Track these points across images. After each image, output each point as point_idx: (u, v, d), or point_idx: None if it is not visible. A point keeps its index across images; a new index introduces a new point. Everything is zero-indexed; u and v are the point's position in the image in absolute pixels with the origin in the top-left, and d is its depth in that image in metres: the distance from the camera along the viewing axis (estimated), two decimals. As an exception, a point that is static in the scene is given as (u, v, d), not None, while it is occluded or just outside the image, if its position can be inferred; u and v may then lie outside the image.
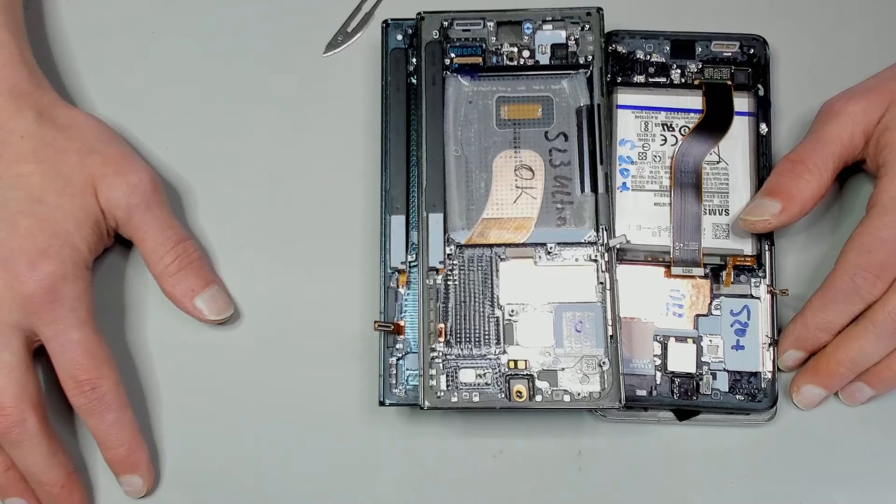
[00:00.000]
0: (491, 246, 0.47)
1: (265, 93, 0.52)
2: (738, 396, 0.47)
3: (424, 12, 0.49)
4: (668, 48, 0.50)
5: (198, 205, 0.50)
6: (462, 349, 0.46)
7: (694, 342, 0.47)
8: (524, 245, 0.47)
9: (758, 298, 0.48)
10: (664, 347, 0.47)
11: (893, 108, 0.47)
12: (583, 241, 0.47)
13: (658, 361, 0.47)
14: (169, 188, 0.50)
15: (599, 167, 0.47)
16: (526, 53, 0.49)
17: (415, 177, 0.48)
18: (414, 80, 0.49)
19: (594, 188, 0.47)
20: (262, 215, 0.50)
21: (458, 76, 0.49)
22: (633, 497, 0.47)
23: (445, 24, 0.49)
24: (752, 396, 0.47)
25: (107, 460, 0.46)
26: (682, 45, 0.50)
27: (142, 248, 0.48)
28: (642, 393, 0.47)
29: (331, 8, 0.53)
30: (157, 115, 0.51)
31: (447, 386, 0.45)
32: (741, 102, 0.49)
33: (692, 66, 0.50)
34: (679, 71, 0.50)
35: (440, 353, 0.46)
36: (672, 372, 0.47)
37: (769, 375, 0.47)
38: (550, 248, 0.47)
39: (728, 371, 0.47)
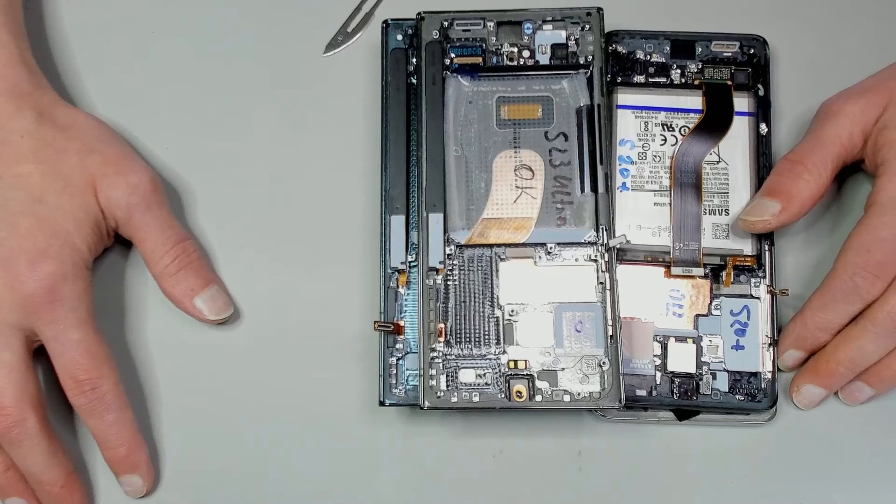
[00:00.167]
0: (491, 246, 0.47)
1: (265, 93, 0.52)
2: (738, 396, 0.47)
3: (424, 12, 0.49)
4: (668, 48, 0.50)
5: (198, 205, 0.50)
6: (462, 349, 0.46)
7: (694, 342, 0.47)
8: (524, 245, 0.47)
9: (758, 298, 0.48)
10: (664, 347, 0.47)
11: (892, 108, 0.47)
12: (583, 241, 0.47)
13: (658, 361, 0.47)
14: (169, 188, 0.50)
15: (599, 167, 0.47)
16: (526, 53, 0.49)
17: (415, 177, 0.48)
18: (414, 80, 0.49)
19: (594, 188, 0.47)
20: (262, 215, 0.50)
21: (458, 76, 0.49)
22: (633, 497, 0.47)
23: (445, 24, 0.49)
24: (752, 396, 0.47)
25: (107, 460, 0.46)
26: (682, 45, 0.50)
27: (141, 248, 0.48)
28: (642, 393, 0.47)
29: (331, 8, 0.53)
30: (157, 115, 0.51)
31: (447, 386, 0.45)
32: (741, 102, 0.49)
33: (692, 66, 0.50)
34: (679, 71, 0.50)
35: (440, 353, 0.46)
36: (672, 372, 0.47)
37: (769, 375, 0.47)
38: (550, 248, 0.47)
39: (728, 371, 0.47)
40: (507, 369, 0.46)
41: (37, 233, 0.45)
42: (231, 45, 0.52)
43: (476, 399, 0.45)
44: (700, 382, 0.47)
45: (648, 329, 0.47)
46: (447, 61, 0.49)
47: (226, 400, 0.48)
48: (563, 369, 0.45)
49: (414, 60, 0.49)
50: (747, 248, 0.48)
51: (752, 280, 0.48)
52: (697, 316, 0.47)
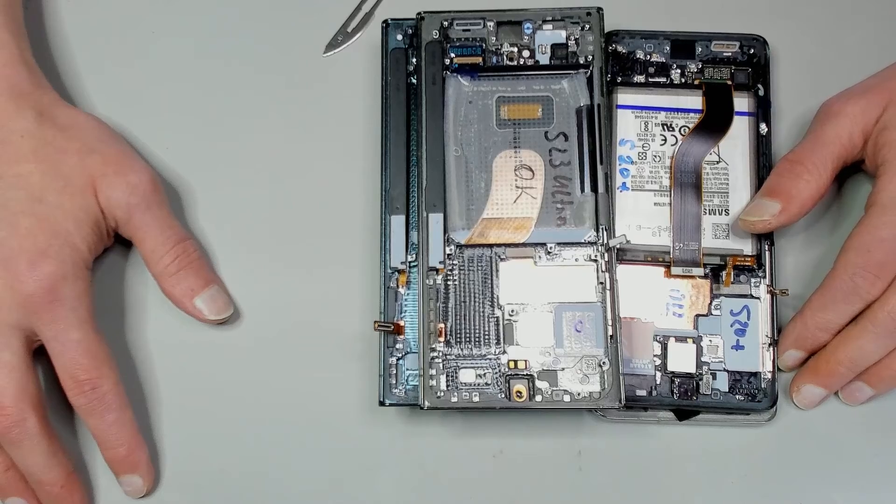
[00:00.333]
0: (491, 246, 0.47)
1: (265, 93, 0.52)
2: (738, 396, 0.47)
3: (424, 12, 0.49)
4: (668, 48, 0.50)
5: (198, 205, 0.50)
6: (462, 349, 0.46)
7: (694, 342, 0.47)
8: (524, 245, 0.47)
9: (758, 298, 0.48)
10: (664, 347, 0.47)
11: (892, 108, 0.47)
12: (583, 241, 0.47)
13: (658, 361, 0.47)
14: (169, 188, 0.50)
15: (599, 167, 0.47)
16: (526, 53, 0.49)
17: (415, 177, 0.48)
18: (414, 80, 0.49)
19: (594, 188, 0.47)
20: (262, 215, 0.50)
21: (458, 76, 0.49)
22: (633, 497, 0.47)
23: (445, 24, 0.49)
24: (752, 396, 0.47)
25: (107, 460, 0.46)
26: (682, 45, 0.50)
27: (141, 247, 0.48)
28: (642, 393, 0.47)
29: (331, 8, 0.53)
30: (157, 115, 0.51)
31: (447, 386, 0.45)
32: (741, 102, 0.49)
33: (692, 66, 0.50)
34: (679, 71, 0.50)
35: (440, 353, 0.46)
36: (672, 372, 0.47)
37: (769, 375, 0.47)
38: (550, 248, 0.47)
39: (728, 371, 0.47)
40: (507, 369, 0.46)
41: (37, 232, 0.45)
42: (231, 45, 0.52)
43: (476, 399, 0.45)
44: (700, 382, 0.47)
45: (648, 329, 0.47)
46: (447, 61, 0.49)
47: (226, 400, 0.48)
48: (563, 369, 0.45)
49: (414, 60, 0.49)
50: (747, 248, 0.48)
51: (752, 280, 0.48)
52: (697, 316, 0.47)
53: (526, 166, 0.48)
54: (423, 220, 0.47)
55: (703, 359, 0.47)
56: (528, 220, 0.47)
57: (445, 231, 0.47)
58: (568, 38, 0.49)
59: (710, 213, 0.48)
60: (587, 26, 0.49)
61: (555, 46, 0.49)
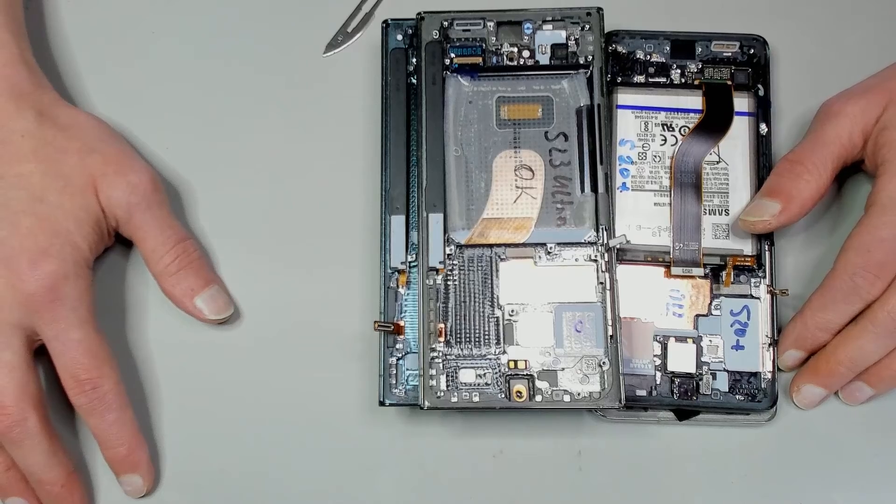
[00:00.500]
0: (491, 246, 0.47)
1: (265, 93, 0.52)
2: (738, 396, 0.47)
3: (424, 12, 0.49)
4: (668, 48, 0.50)
5: (198, 205, 0.51)
6: (462, 349, 0.46)
7: (694, 342, 0.47)
8: (524, 245, 0.47)
9: (758, 298, 0.48)
10: (664, 347, 0.47)
11: (891, 108, 0.47)
12: (583, 241, 0.47)
13: (658, 361, 0.47)
14: (169, 188, 0.50)
15: (599, 167, 0.47)
16: (526, 53, 0.49)
17: (415, 177, 0.48)
18: (414, 80, 0.49)
19: (594, 188, 0.47)
20: (262, 215, 0.50)
21: (458, 76, 0.49)
22: (633, 497, 0.47)
23: (445, 24, 0.49)
24: (752, 396, 0.47)
25: (107, 460, 0.46)
26: (682, 45, 0.50)
27: (142, 247, 0.48)
28: (642, 393, 0.47)
29: (331, 8, 0.53)
30: (157, 115, 0.51)
31: (447, 386, 0.45)
32: (741, 102, 0.49)
33: (692, 66, 0.50)
34: (679, 71, 0.50)
35: (440, 353, 0.46)
36: (672, 372, 0.47)
37: (769, 375, 0.47)
38: (550, 248, 0.47)
39: (728, 371, 0.47)
40: (507, 369, 0.46)
41: (38, 232, 0.45)
42: (231, 45, 0.52)
43: (476, 399, 0.45)
44: (700, 382, 0.47)
45: (648, 329, 0.47)
46: (447, 61, 0.49)
47: (226, 400, 0.48)
48: (563, 369, 0.46)
49: (414, 60, 0.49)
50: (747, 248, 0.48)
51: (752, 280, 0.48)
52: (697, 316, 0.47)
53: (526, 166, 0.48)
54: (423, 220, 0.47)
55: (703, 359, 0.47)
56: (528, 220, 0.47)
57: (445, 231, 0.47)
58: (568, 38, 0.49)
59: (710, 213, 0.48)
60: (587, 26, 0.49)
61: (555, 46, 0.49)
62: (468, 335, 0.46)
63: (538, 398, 0.45)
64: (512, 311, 0.46)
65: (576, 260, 0.47)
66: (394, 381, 0.46)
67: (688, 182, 0.49)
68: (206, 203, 0.51)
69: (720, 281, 0.48)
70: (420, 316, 0.46)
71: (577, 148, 0.48)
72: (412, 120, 0.49)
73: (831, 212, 0.50)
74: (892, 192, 0.46)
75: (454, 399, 0.45)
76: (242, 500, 0.47)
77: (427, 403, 0.45)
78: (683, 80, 0.50)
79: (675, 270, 0.48)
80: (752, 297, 0.48)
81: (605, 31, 0.49)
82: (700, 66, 0.50)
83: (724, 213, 0.48)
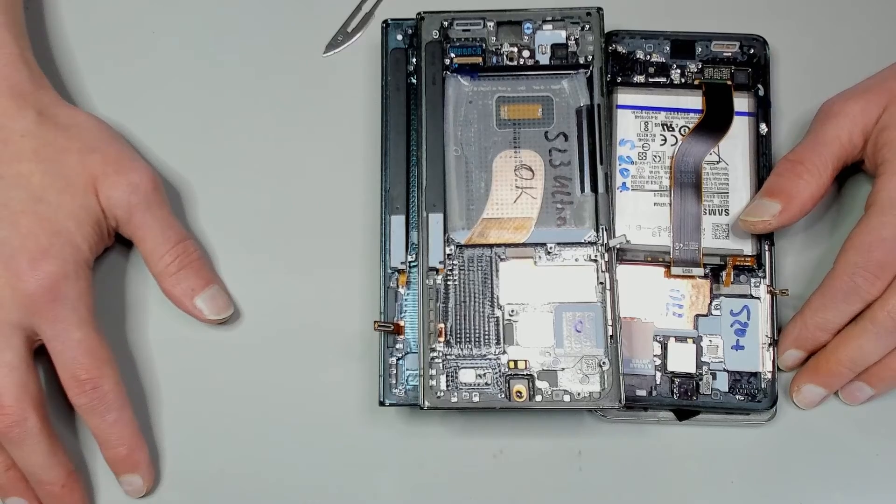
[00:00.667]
0: (491, 246, 0.47)
1: (265, 93, 0.52)
2: (738, 396, 0.47)
3: (424, 12, 0.49)
4: (668, 48, 0.50)
5: (198, 205, 0.51)
6: (462, 349, 0.46)
7: (694, 342, 0.47)
8: (524, 245, 0.47)
9: (758, 298, 0.48)
10: (664, 347, 0.47)
11: (891, 108, 0.47)
12: (583, 241, 0.47)
13: (658, 361, 0.47)
14: (169, 188, 0.50)
15: (599, 167, 0.47)
16: (526, 53, 0.49)
17: (415, 177, 0.48)
18: (414, 80, 0.49)
19: (594, 188, 0.47)
20: (262, 215, 0.50)
21: (458, 76, 0.49)
22: (633, 497, 0.47)
23: (445, 24, 0.49)
24: (752, 396, 0.47)
25: (107, 460, 0.46)
26: (682, 45, 0.50)
27: (142, 247, 0.48)
28: (642, 393, 0.47)
29: (331, 8, 0.53)
30: (157, 115, 0.51)
31: (447, 386, 0.45)
32: (741, 102, 0.49)
33: (692, 66, 0.50)
34: (679, 71, 0.50)
35: (440, 353, 0.46)
36: (672, 372, 0.47)
37: (769, 375, 0.47)
38: (550, 248, 0.47)
39: (728, 371, 0.47)
40: (507, 369, 0.46)
41: (38, 232, 0.45)
42: (231, 45, 0.52)
43: (476, 399, 0.45)
44: (700, 382, 0.47)
45: (648, 329, 0.47)
46: (447, 61, 0.49)
47: (226, 400, 0.48)
48: (563, 369, 0.46)
49: (414, 60, 0.49)
50: (747, 248, 0.48)
51: (752, 280, 0.48)
52: (697, 316, 0.47)
53: (526, 166, 0.48)
54: (423, 220, 0.47)
55: (703, 359, 0.47)
56: (528, 220, 0.47)
57: (445, 231, 0.47)
58: (568, 38, 0.49)
59: (710, 213, 0.48)
60: (587, 26, 0.49)
61: (555, 46, 0.49)
62: (468, 335, 0.46)
63: (538, 398, 0.45)
64: (512, 311, 0.46)
65: (576, 260, 0.47)
66: (394, 381, 0.46)
67: (688, 182, 0.49)
68: (206, 203, 0.51)
69: (720, 281, 0.48)
70: (420, 316, 0.46)
71: (577, 148, 0.48)
72: (412, 120, 0.49)
73: (831, 212, 0.50)
74: (892, 192, 0.46)
75: (454, 399, 0.45)
76: (242, 500, 0.47)
77: (427, 403, 0.45)
78: (683, 80, 0.50)
79: (675, 270, 0.48)
80: (752, 297, 0.48)
81: (605, 31, 0.49)
82: (700, 66, 0.50)
83: (724, 213, 0.48)
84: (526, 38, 0.49)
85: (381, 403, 0.46)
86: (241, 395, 0.48)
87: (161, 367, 0.49)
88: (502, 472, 0.47)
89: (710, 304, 0.47)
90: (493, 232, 0.47)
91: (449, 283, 0.47)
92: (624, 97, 0.49)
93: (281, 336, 0.49)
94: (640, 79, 0.50)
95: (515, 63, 0.49)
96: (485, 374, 0.46)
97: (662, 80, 0.50)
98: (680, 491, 0.47)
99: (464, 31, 0.49)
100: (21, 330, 0.45)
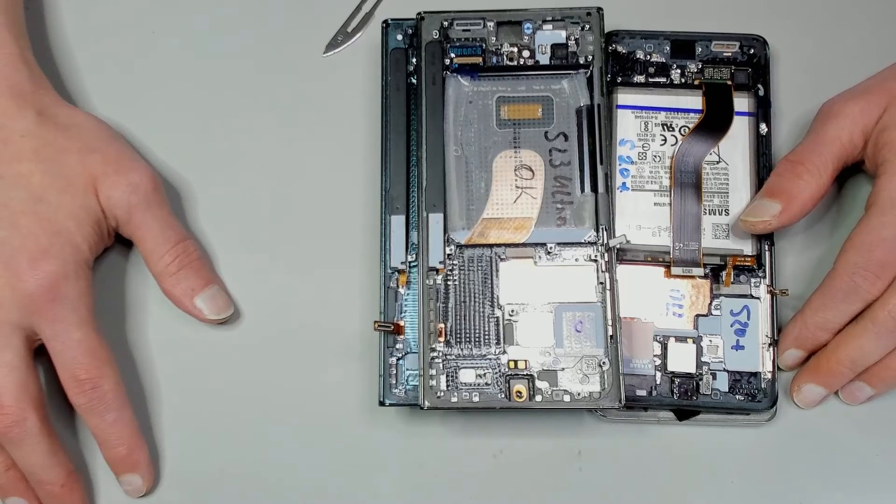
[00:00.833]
0: (491, 246, 0.47)
1: (265, 93, 0.52)
2: (738, 396, 0.47)
3: (424, 12, 0.49)
4: (668, 48, 0.50)
5: (198, 205, 0.51)
6: (462, 349, 0.46)
7: (694, 342, 0.47)
8: (524, 245, 0.47)
9: (758, 298, 0.48)
10: (664, 347, 0.47)
11: (892, 108, 0.47)
12: (583, 241, 0.47)
13: (658, 361, 0.47)
14: (169, 188, 0.50)
15: (599, 167, 0.47)
16: (526, 53, 0.49)
17: (415, 177, 0.48)
18: (414, 80, 0.49)
19: (594, 188, 0.47)
20: (262, 215, 0.50)
21: (458, 76, 0.49)
22: (633, 497, 0.47)
23: (445, 24, 0.49)
24: (752, 396, 0.47)
25: (107, 459, 0.46)
26: (682, 45, 0.50)
27: (142, 247, 0.48)
28: (642, 393, 0.47)
29: (331, 8, 0.53)
30: (157, 115, 0.51)
31: (447, 386, 0.45)
32: (741, 102, 0.49)
33: (692, 66, 0.50)
34: (679, 71, 0.50)
35: (440, 353, 0.46)
36: (672, 372, 0.47)
37: (769, 375, 0.47)
38: (550, 248, 0.47)
39: (728, 371, 0.47)
40: (507, 369, 0.46)
41: (38, 232, 0.45)
42: (231, 46, 0.52)
43: (476, 399, 0.45)
44: (700, 382, 0.47)
45: (648, 329, 0.47)
46: (447, 61, 0.49)
47: (226, 400, 0.48)
48: (563, 369, 0.45)
49: (414, 60, 0.49)
50: (747, 248, 0.48)
51: (752, 280, 0.48)
52: (697, 316, 0.47)
53: (526, 166, 0.48)
54: (423, 220, 0.47)
55: (703, 359, 0.47)
56: (528, 220, 0.47)
57: (445, 231, 0.47)
58: (568, 38, 0.49)
59: (710, 213, 0.48)
60: (587, 26, 0.49)
61: (555, 46, 0.49)
62: (468, 335, 0.46)
63: (538, 398, 0.45)
64: (512, 311, 0.46)
65: (576, 260, 0.47)
66: (394, 381, 0.46)
67: (688, 182, 0.49)
68: (206, 203, 0.51)
69: (720, 281, 0.48)
70: (420, 316, 0.46)
71: (577, 148, 0.48)
72: (412, 120, 0.49)
73: (831, 212, 0.50)
74: (892, 192, 0.46)
75: (454, 399, 0.45)
76: (242, 500, 0.47)
77: (427, 403, 0.45)
78: (683, 80, 0.50)
79: (675, 270, 0.48)
80: (752, 297, 0.48)
81: (605, 31, 0.49)
82: (700, 66, 0.50)
83: (724, 213, 0.48)
84: (526, 38, 0.49)
85: (381, 403, 0.46)
86: (241, 395, 0.48)
87: (161, 367, 0.49)
88: (502, 472, 0.47)
89: (710, 304, 0.47)
90: (493, 232, 0.47)
91: (449, 283, 0.47)
92: (624, 97, 0.49)
93: (281, 336, 0.49)
94: (640, 79, 0.50)
95: (515, 63, 0.49)
96: (485, 374, 0.46)
97: (662, 80, 0.50)
98: (680, 491, 0.47)
99: (464, 31, 0.49)
100: (21, 330, 0.45)
